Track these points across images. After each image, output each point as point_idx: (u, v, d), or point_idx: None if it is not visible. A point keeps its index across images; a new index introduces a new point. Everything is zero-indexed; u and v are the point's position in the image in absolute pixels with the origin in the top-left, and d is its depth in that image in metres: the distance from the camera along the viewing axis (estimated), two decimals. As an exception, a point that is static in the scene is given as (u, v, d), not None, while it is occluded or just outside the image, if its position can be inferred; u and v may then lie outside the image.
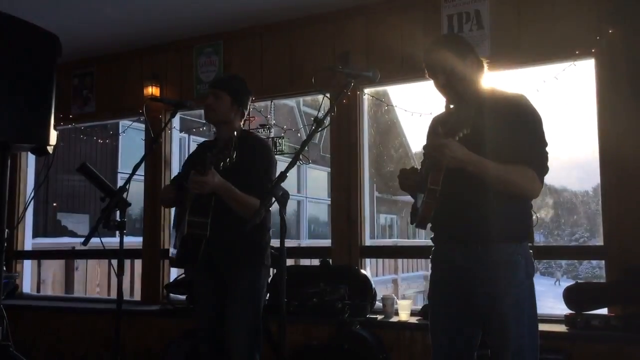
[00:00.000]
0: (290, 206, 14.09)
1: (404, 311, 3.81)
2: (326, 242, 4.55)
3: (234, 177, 2.72)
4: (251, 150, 2.86)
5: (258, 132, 4.66)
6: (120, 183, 8.78)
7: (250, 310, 2.87)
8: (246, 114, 3.11)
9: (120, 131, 6.54)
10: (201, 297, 3.05)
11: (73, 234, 9.43)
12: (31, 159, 5.53)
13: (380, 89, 4.60)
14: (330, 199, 4.57)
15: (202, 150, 3.10)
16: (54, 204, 9.47)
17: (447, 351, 2.34)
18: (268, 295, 4.01)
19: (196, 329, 3.05)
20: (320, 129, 2.31)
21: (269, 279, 4.01)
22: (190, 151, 3.57)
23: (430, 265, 2.51)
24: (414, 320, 3.78)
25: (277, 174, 2.43)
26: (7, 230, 2.67)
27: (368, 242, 4.29)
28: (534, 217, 2.39)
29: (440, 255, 2.42)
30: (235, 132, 2.95)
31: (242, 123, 3.10)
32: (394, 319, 3.82)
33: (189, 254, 2.81)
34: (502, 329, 2.18)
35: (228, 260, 2.86)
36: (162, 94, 4.87)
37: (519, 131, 2.18)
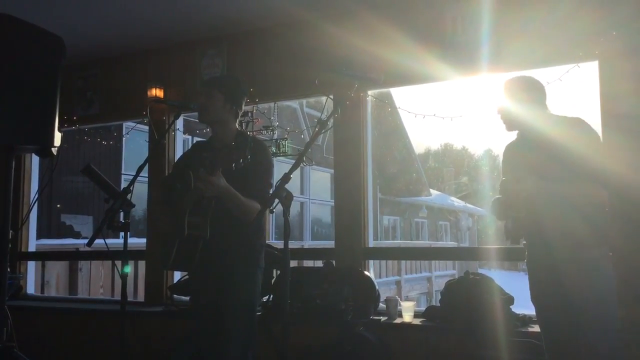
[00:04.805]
0: (294, 208, 14.04)
1: (408, 313, 3.81)
2: (329, 244, 4.55)
3: (234, 178, 2.72)
4: (251, 152, 2.84)
5: (261, 133, 4.67)
6: (124, 184, 8.79)
7: (244, 311, 2.86)
8: (240, 113, 3.07)
9: (124, 133, 6.55)
10: (198, 297, 3.05)
11: (77, 235, 9.43)
12: (35, 160, 5.54)
13: (384, 90, 4.60)
14: (333, 201, 4.57)
15: (197, 151, 3.08)
16: (58, 206, 9.48)
17: None
18: (271, 296, 4.04)
19: (197, 330, 3.05)
20: (323, 130, 2.31)
21: (272, 280, 4.04)
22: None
23: None
24: (417, 321, 3.78)
25: (276, 175, 2.43)
26: (11, 231, 2.67)
27: (371, 243, 4.28)
28: None
29: None
30: (233, 132, 2.95)
31: (237, 123, 3.08)
32: (398, 320, 3.82)
33: (186, 255, 2.80)
34: None
35: (224, 261, 2.86)
36: (165, 96, 4.88)
37: None
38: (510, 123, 2.81)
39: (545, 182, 2.59)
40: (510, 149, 2.95)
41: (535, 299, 2.79)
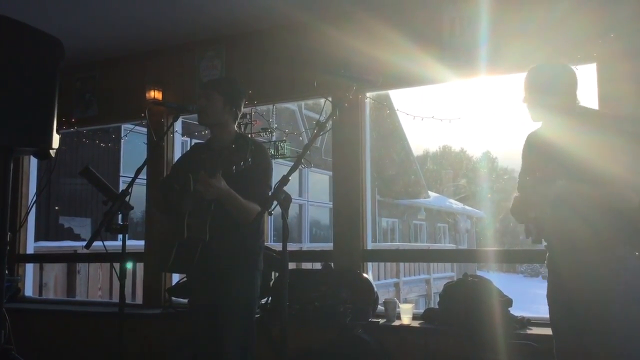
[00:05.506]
0: (292, 210, 14.08)
1: (406, 315, 3.81)
2: (328, 246, 4.55)
3: (234, 180, 2.72)
4: (251, 154, 2.84)
5: (260, 135, 4.67)
6: (122, 187, 8.79)
7: (243, 313, 2.86)
8: (240, 115, 3.08)
9: (122, 135, 6.54)
10: (197, 300, 3.05)
11: (75, 238, 9.44)
12: (34, 162, 5.53)
13: (382, 93, 4.60)
14: (332, 203, 4.57)
15: (196, 153, 3.09)
16: (56, 208, 9.47)
17: None
18: (270, 298, 4.03)
19: (195, 332, 3.05)
20: (322, 132, 2.31)
21: (271, 283, 4.04)
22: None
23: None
24: (415, 324, 3.78)
25: (275, 177, 2.44)
26: (9, 233, 2.67)
27: (370, 245, 4.28)
28: None
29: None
30: (232, 135, 2.96)
31: (236, 125, 3.09)
32: (396, 322, 3.82)
33: (185, 257, 2.80)
34: None
35: (223, 264, 2.85)
36: (164, 98, 4.88)
37: None
38: (534, 115, 2.67)
39: (574, 186, 2.46)
40: (531, 139, 2.79)
41: (548, 303, 2.71)
